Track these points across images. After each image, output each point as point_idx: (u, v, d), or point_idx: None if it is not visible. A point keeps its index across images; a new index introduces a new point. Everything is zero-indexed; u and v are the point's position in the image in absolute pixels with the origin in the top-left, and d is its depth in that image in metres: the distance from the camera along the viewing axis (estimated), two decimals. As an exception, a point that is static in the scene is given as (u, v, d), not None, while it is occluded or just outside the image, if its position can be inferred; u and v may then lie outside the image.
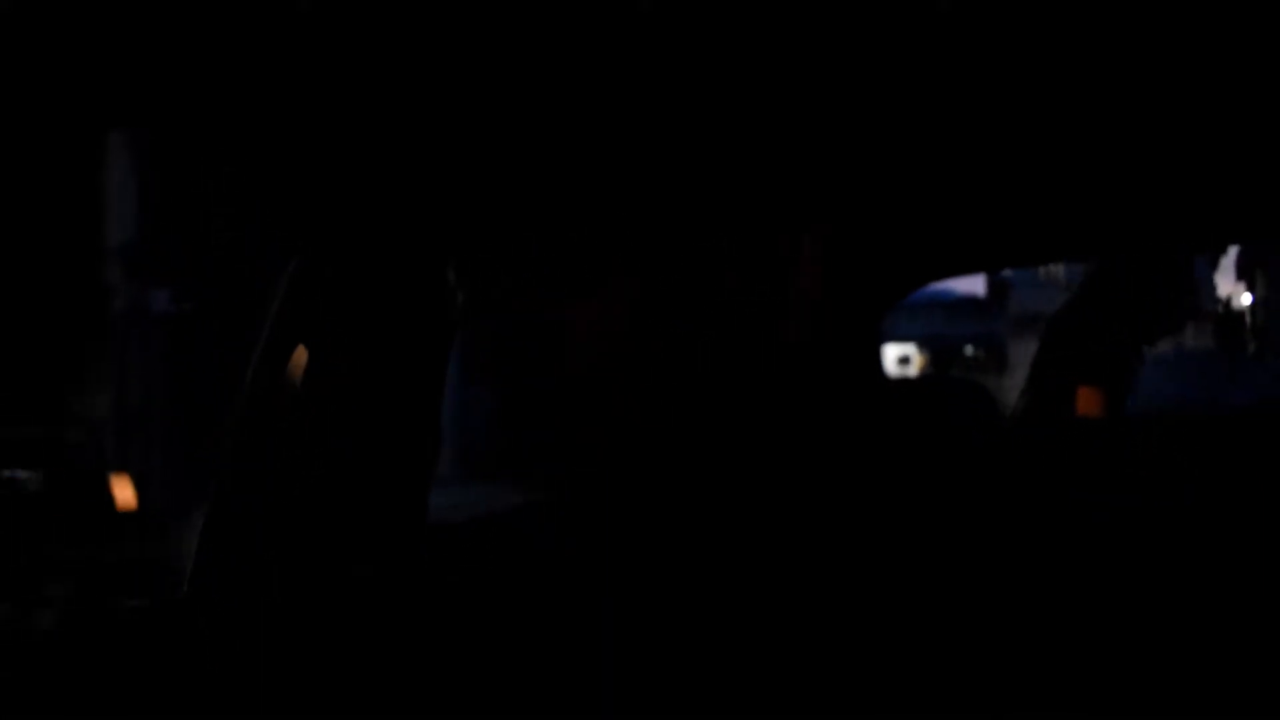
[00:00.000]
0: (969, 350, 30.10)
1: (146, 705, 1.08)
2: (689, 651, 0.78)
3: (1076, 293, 2.72)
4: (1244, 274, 20.29)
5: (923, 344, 29.78)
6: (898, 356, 29.74)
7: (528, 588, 0.85)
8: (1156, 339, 2.66)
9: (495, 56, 0.84)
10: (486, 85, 0.90)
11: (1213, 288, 20.90)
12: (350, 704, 0.88)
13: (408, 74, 0.91)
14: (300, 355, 1.22)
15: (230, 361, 1.35)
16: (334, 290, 1.23)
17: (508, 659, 0.83)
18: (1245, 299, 20.22)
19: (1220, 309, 20.39)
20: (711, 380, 0.79)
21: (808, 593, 0.78)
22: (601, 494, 0.82)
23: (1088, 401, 2.44)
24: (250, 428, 1.23)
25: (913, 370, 28.70)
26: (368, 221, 1.20)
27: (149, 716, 1.08)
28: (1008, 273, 27.69)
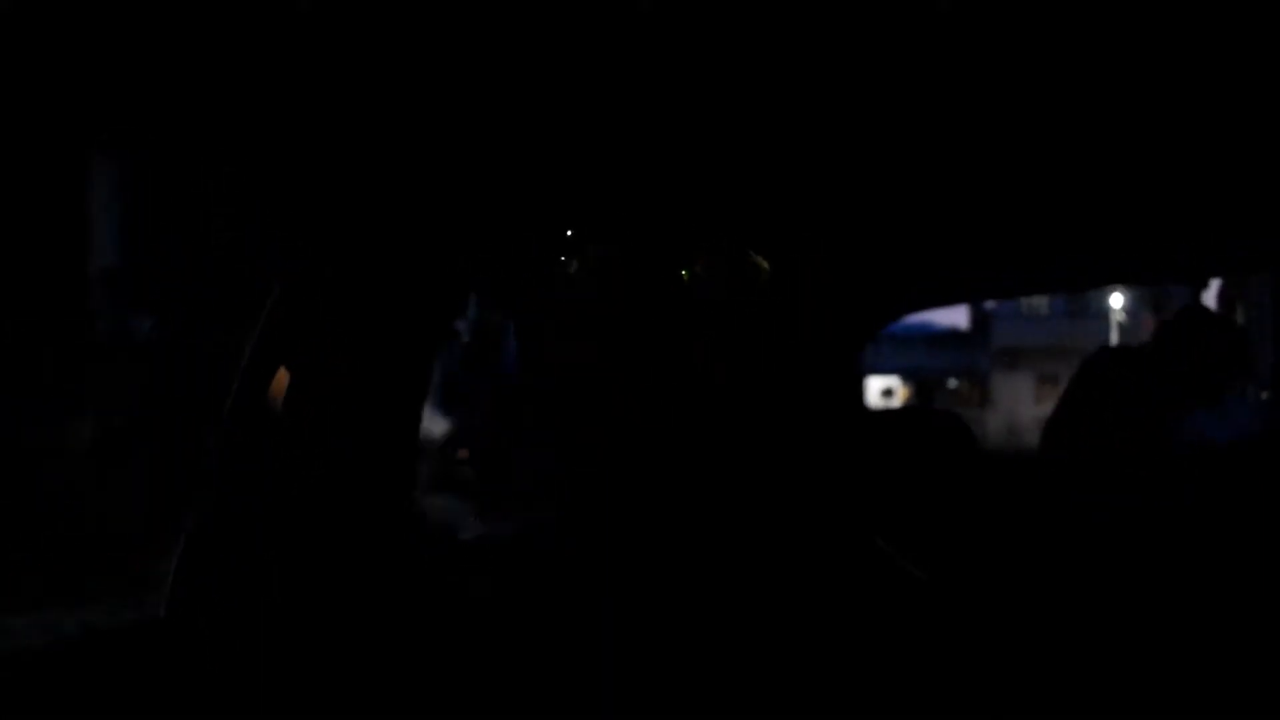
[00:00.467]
0: (952, 383, 30.18)
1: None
2: (672, 659, 0.78)
3: (1146, 343, 2.79)
4: (1225, 306, 20.43)
5: (906, 376, 29.84)
6: (881, 389, 29.79)
7: (527, 592, 0.85)
8: (1216, 397, 2.72)
9: (493, 66, 0.84)
10: (481, 102, 0.90)
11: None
12: (340, 711, 0.88)
13: (402, 91, 0.91)
14: (282, 376, 1.22)
15: (215, 388, 1.34)
16: (317, 312, 1.23)
17: (506, 662, 0.82)
18: (1226, 334, 20.31)
19: (1201, 343, 20.48)
20: (698, 404, 0.79)
21: (790, 598, 0.78)
22: (598, 504, 0.82)
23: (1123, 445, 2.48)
24: (233, 447, 1.23)
25: (896, 402, 28.75)
26: (351, 243, 1.20)
27: None
28: (991, 306, 27.81)
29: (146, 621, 1.19)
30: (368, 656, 0.90)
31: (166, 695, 1.08)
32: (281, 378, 1.19)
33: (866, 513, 0.82)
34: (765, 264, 0.82)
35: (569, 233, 0.82)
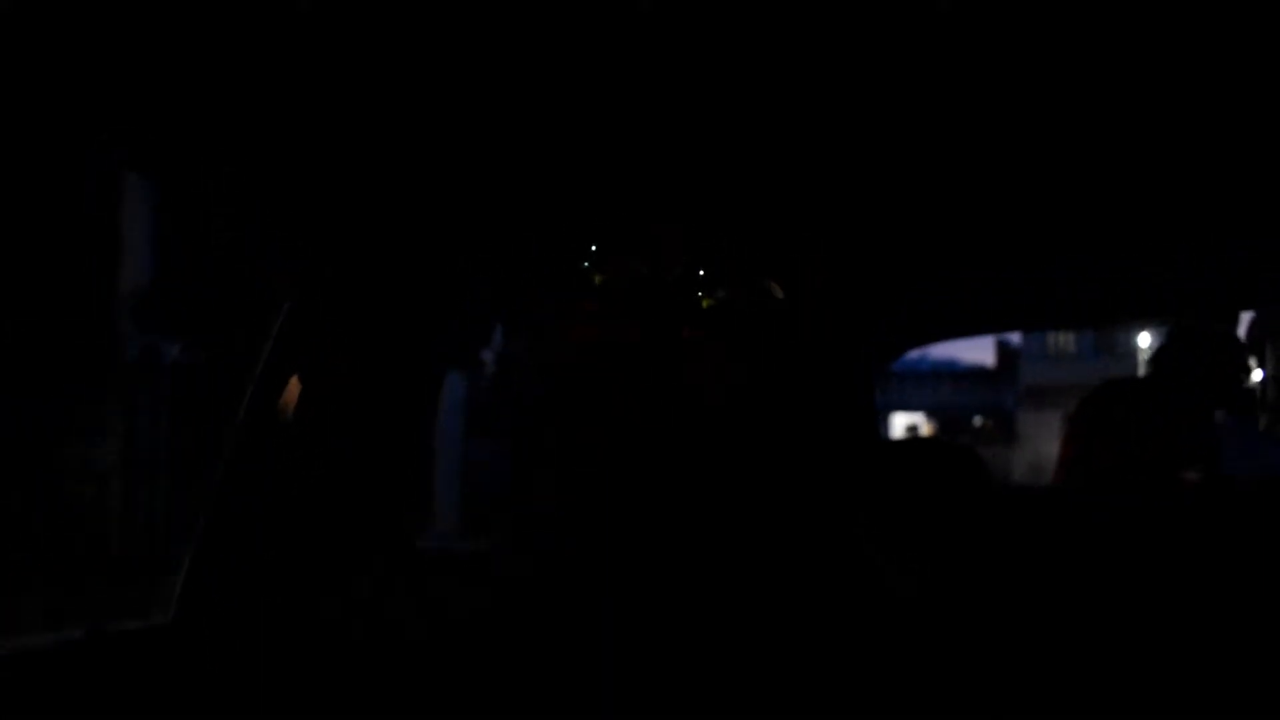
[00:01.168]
0: (977, 420, 29.99)
1: None
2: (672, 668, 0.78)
3: (1147, 369, 2.77)
4: (1254, 347, 20.25)
5: (931, 413, 29.69)
6: (906, 426, 29.64)
7: (528, 598, 0.85)
8: (1230, 407, 2.69)
9: (495, 70, 0.84)
10: (484, 107, 0.91)
11: (1223, 363, 20.81)
12: (344, 714, 0.88)
13: (405, 96, 0.92)
14: (293, 389, 1.23)
15: (239, 407, 1.35)
16: (325, 322, 1.24)
17: (508, 667, 0.82)
18: (1256, 373, 20.18)
19: (1230, 384, 20.30)
20: (702, 414, 0.79)
21: (789, 606, 0.78)
22: (601, 511, 0.82)
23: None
24: (243, 457, 1.24)
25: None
26: (358, 250, 1.21)
27: None
28: (1017, 344, 27.66)
29: (153, 626, 1.20)
30: (371, 661, 0.90)
31: (171, 699, 1.08)
32: (294, 388, 1.20)
33: (869, 531, 0.81)
34: (773, 275, 0.82)
35: (572, 237, 0.82)
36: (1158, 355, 2.72)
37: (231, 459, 1.23)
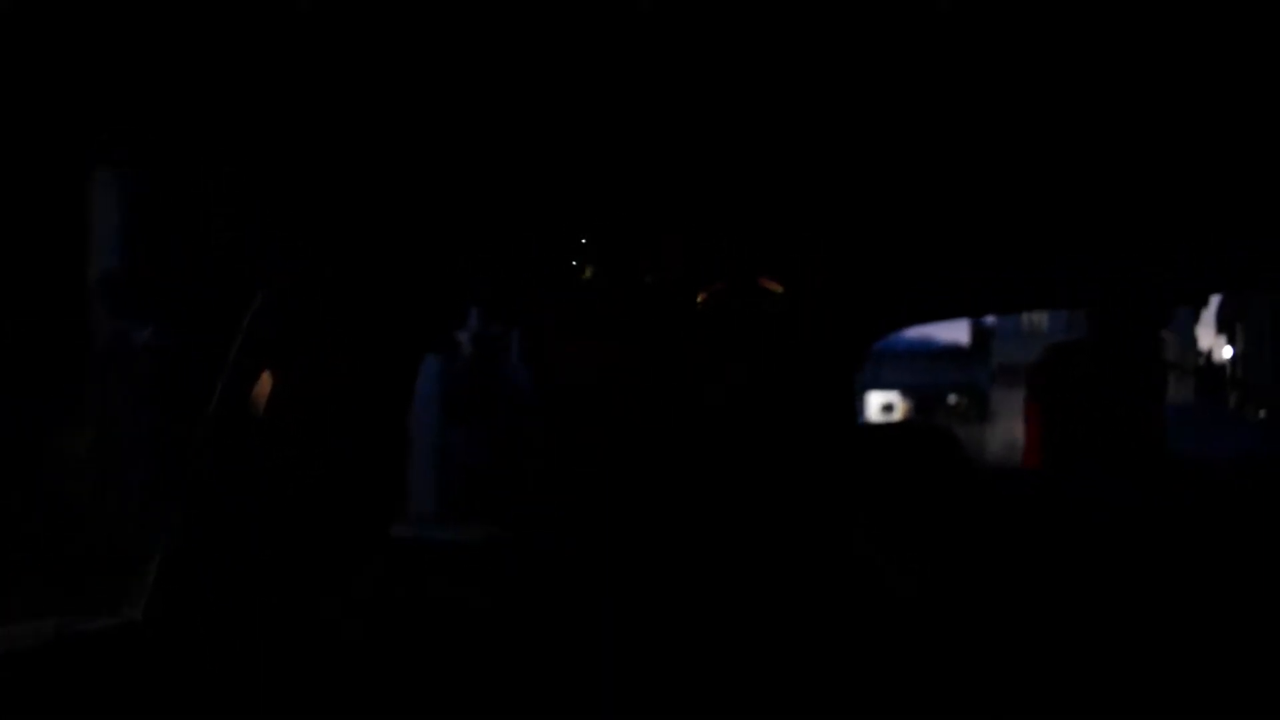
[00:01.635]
0: (952, 399, 30.17)
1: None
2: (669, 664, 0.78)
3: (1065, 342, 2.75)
4: (1225, 327, 20.47)
5: (906, 392, 29.85)
6: (881, 404, 29.79)
7: (522, 595, 0.85)
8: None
9: (492, 69, 0.84)
10: (480, 105, 0.90)
11: (1194, 341, 21.06)
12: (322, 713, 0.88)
13: (401, 93, 0.91)
14: (265, 380, 1.22)
15: (211, 394, 1.34)
16: (300, 316, 1.23)
17: (496, 665, 0.82)
18: (1226, 352, 20.39)
19: (1201, 362, 20.51)
20: (696, 410, 0.79)
21: (782, 602, 0.78)
22: (597, 508, 0.82)
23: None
24: (216, 449, 1.23)
25: (895, 418, 28.74)
26: (348, 245, 1.20)
27: None
28: (991, 323, 27.83)
29: (123, 624, 1.19)
30: (349, 654, 0.90)
31: (141, 698, 1.08)
32: (265, 381, 1.20)
33: (856, 521, 0.82)
34: (773, 275, 0.82)
35: (569, 237, 0.82)
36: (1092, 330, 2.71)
37: (204, 449, 1.22)
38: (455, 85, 0.89)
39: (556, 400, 0.81)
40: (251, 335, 1.23)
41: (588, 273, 0.81)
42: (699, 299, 0.81)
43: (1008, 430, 24.96)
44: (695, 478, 0.82)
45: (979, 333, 29.36)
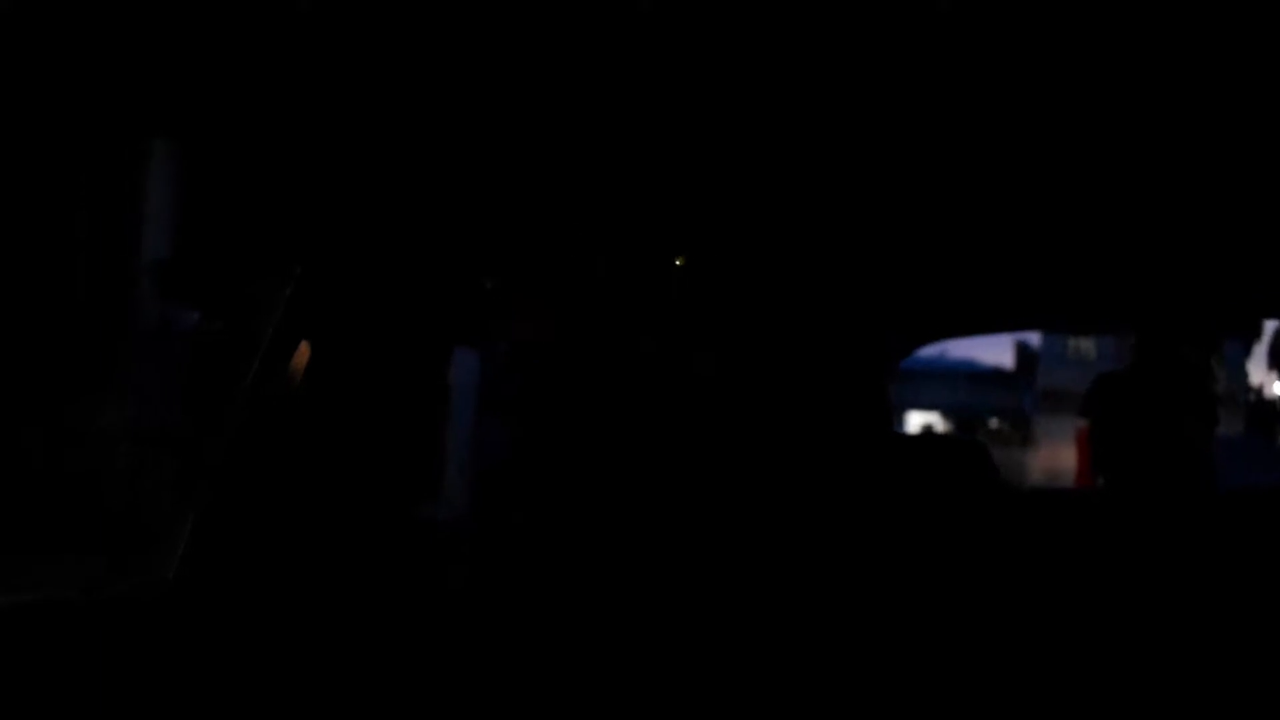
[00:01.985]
0: (993, 423, 29.92)
1: (134, 688, 1.08)
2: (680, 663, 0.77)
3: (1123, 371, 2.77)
4: (1275, 362, 20.16)
5: (947, 414, 29.63)
6: (921, 425, 29.59)
7: (525, 591, 0.84)
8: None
9: (501, 68, 0.84)
10: (495, 94, 0.90)
11: (1245, 376, 20.77)
12: (343, 700, 0.87)
13: (422, 82, 0.91)
14: (302, 357, 1.23)
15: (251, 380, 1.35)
16: (338, 294, 1.24)
17: (508, 660, 0.82)
18: (1277, 387, 20.08)
19: (1252, 397, 20.22)
20: (725, 419, 0.77)
21: (803, 602, 0.77)
22: (603, 504, 0.82)
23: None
24: (250, 425, 1.24)
25: (936, 439, 28.53)
26: (376, 227, 1.20)
27: (137, 699, 1.08)
28: (1036, 346, 27.55)
29: (152, 585, 1.20)
30: (368, 629, 0.90)
31: (168, 660, 1.09)
32: (300, 361, 1.20)
33: (874, 523, 0.81)
34: (788, 276, 0.81)
35: (597, 236, 0.82)
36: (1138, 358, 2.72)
37: (239, 425, 1.23)
38: (470, 88, 0.89)
39: (534, 389, 0.81)
40: (288, 317, 1.24)
41: (617, 273, 0.81)
42: (720, 306, 0.80)
43: (1051, 456, 24.67)
44: (691, 470, 0.82)
45: (1024, 356, 29.10)
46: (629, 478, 0.82)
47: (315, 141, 1.07)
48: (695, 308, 0.78)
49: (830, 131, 0.91)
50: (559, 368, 0.79)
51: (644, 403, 0.79)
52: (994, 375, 29.84)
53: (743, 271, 0.79)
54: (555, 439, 0.80)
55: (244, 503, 1.25)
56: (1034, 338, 27.19)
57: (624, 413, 0.79)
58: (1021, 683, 0.73)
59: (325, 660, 0.94)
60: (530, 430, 0.81)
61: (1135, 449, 2.52)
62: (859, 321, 0.78)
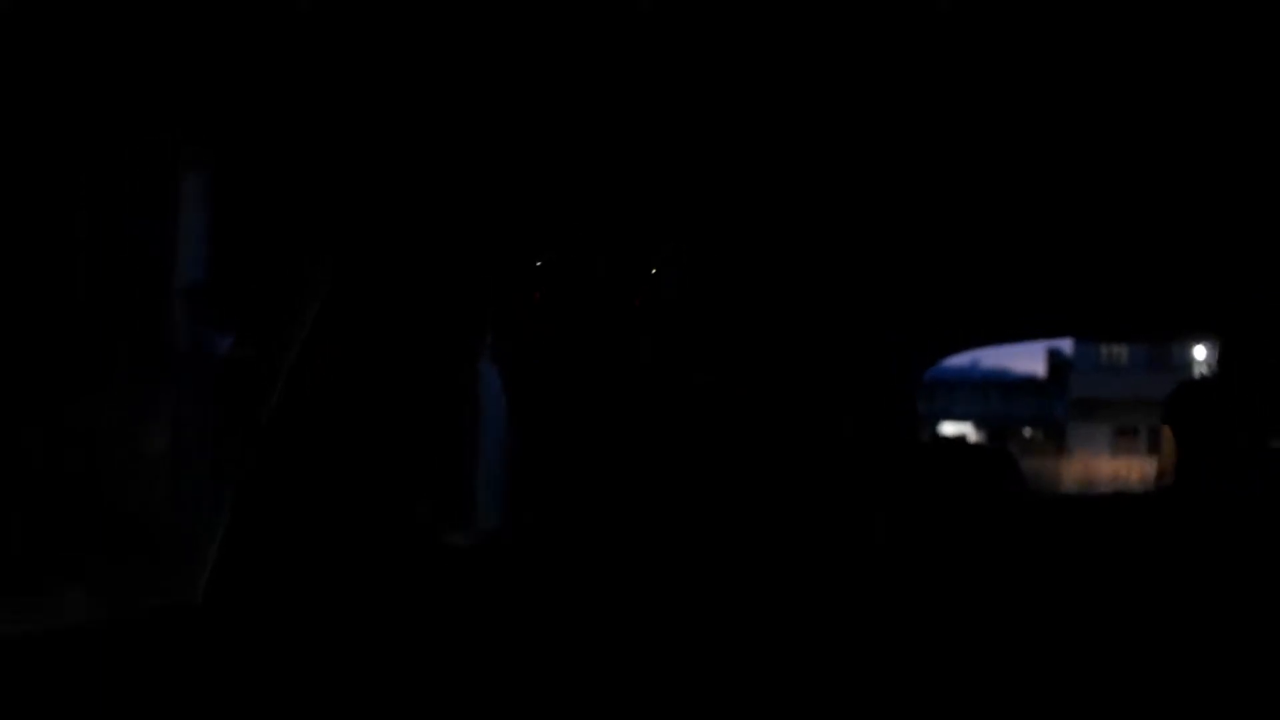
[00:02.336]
0: (1026, 432, 29.68)
1: (164, 700, 1.09)
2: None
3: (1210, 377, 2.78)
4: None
5: (979, 423, 29.42)
6: (954, 435, 29.39)
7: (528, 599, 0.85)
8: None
9: (510, 71, 0.85)
10: (503, 102, 0.91)
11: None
12: (360, 704, 0.88)
13: (442, 88, 0.92)
14: (325, 379, 1.24)
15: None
16: (365, 308, 1.25)
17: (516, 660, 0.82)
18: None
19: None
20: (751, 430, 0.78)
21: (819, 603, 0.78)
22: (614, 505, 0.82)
23: None
24: (276, 444, 1.25)
25: (968, 449, 28.25)
26: (398, 240, 1.22)
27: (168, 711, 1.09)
28: (1069, 354, 27.32)
29: (182, 606, 1.21)
30: (387, 646, 0.91)
31: (199, 677, 1.10)
32: (325, 380, 1.21)
33: (891, 528, 0.82)
34: (800, 283, 0.82)
35: (605, 240, 0.83)
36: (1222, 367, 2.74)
37: (265, 444, 1.25)
38: (485, 97, 0.90)
39: (532, 391, 0.82)
40: (314, 336, 1.25)
41: (636, 277, 0.82)
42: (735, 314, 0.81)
43: (1086, 466, 24.44)
44: (702, 473, 0.82)
45: (1056, 365, 28.85)
46: (633, 481, 0.83)
47: (336, 156, 1.09)
48: (706, 318, 0.79)
49: (853, 139, 0.92)
50: (559, 367, 0.80)
51: (644, 406, 0.80)
52: (1026, 384, 29.61)
53: (764, 280, 0.79)
54: (555, 438, 0.81)
55: (270, 523, 1.26)
56: (1066, 345, 26.97)
57: (624, 414, 0.80)
58: (1043, 687, 0.74)
59: (345, 682, 0.95)
60: (531, 431, 0.82)
61: (1220, 456, 2.52)
62: (880, 330, 0.79)
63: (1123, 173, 1.04)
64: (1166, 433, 2.77)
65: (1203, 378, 2.76)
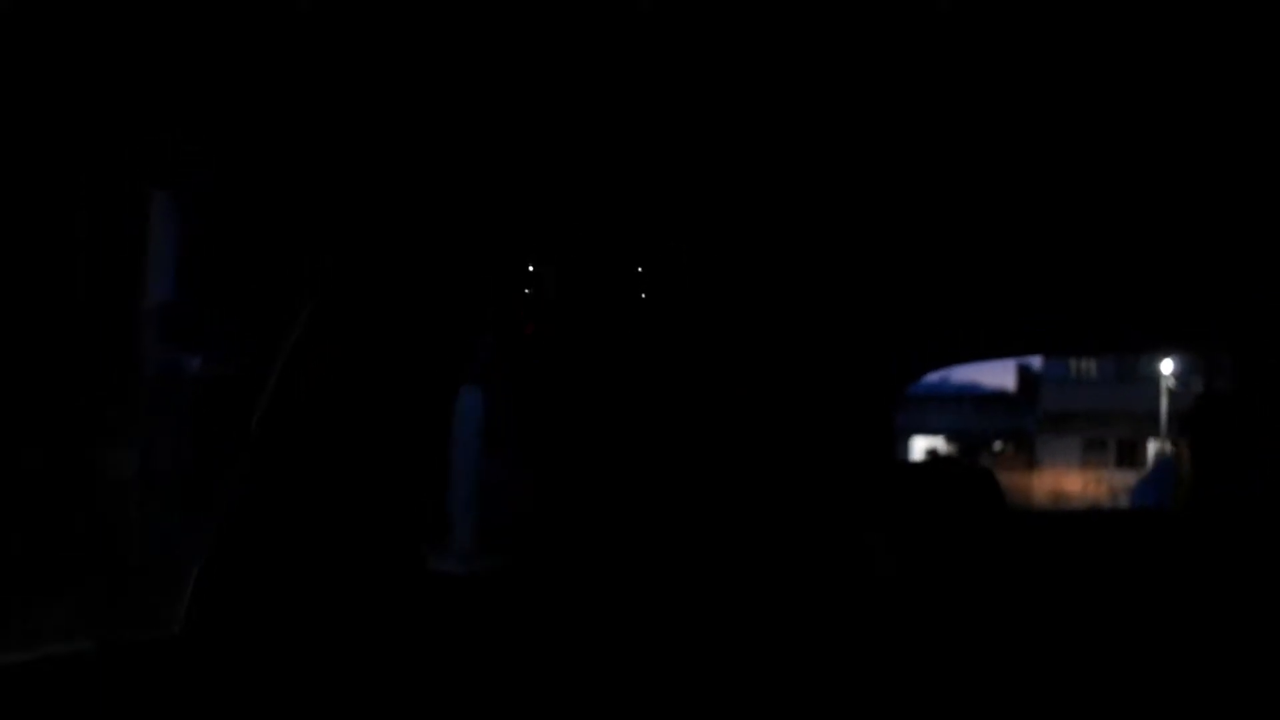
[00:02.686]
0: (997, 445, 29.80)
1: None
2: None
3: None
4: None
5: (951, 437, 29.53)
6: (925, 448, 29.50)
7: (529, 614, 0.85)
8: None
9: (511, 76, 0.85)
10: (499, 105, 0.91)
11: None
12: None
13: (436, 92, 0.92)
14: (306, 402, 1.23)
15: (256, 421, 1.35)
16: (344, 338, 1.24)
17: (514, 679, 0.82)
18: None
19: None
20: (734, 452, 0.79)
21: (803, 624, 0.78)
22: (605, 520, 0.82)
23: None
24: (255, 468, 1.24)
25: (940, 463, 28.34)
26: (394, 248, 1.21)
27: None
28: (1038, 368, 27.51)
29: (161, 638, 1.20)
30: (377, 677, 0.90)
31: (179, 710, 1.09)
32: (306, 403, 1.21)
33: (880, 546, 0.83)
34: (791, 296, 0.82)
35: (603, 243, 0.83)
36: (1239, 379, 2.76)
37: (245, 468, 1.23)
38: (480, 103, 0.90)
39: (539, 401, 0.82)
40: (293, 359, 1.24)
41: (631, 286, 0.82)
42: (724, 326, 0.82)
43: (1056, 479, 24.56)
44: (698, 484, 0.83)
45: (1026, 379, 29.04)
46: (633, 487, 0.83)
47: (330, 161, 1.09)
48: (699, 330, 0.79)
49: (840, 146, 0.93)
50: (559, 368, 0.80)
51: (644, 407, 0.80)
52: (997, 398, 29.77)
53: (754, 295, 0.80)
54: (556, 455, 0.81)
55: (252, 548, 1.25)
56: (1035, 360, 27.16)
57: (624, 417, 0.80)
58: (1040, 704, 0.74)
59: (334, 705, 0.94)
60: (531, 448, 0.82)
61: (1238, 470, 2.53)
62: (868, 347, 0.80)
63: (1132, 180, 1.05)
64: (1184, 448, 2.77)
65: (1220, 391, 2.78)
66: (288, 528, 1.24)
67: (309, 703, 0.97)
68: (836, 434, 0.82)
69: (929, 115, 0.91)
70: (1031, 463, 27.14)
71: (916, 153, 0.97)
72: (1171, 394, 23.69)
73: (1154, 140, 1.00)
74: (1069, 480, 23.75)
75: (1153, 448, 24.95)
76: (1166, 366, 23.40)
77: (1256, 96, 0.91)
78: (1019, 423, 28.73)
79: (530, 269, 1.17)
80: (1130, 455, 25.94)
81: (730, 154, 0.90)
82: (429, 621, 0.98)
